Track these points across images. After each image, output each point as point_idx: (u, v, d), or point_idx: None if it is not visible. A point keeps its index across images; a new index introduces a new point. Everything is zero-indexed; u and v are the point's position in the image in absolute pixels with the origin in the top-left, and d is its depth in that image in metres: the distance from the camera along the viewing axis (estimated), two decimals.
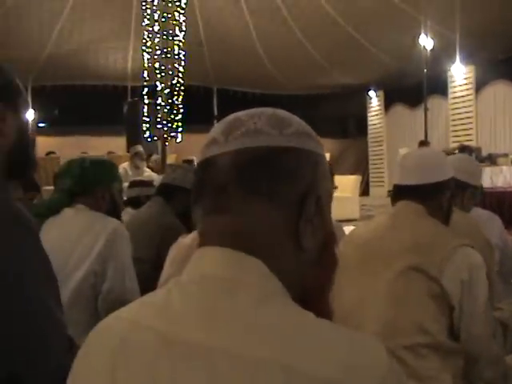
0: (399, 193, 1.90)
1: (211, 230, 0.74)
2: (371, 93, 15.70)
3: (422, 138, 11.09)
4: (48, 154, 10.73)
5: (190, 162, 7.75)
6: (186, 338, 0.65)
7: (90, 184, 2.35)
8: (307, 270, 0.75)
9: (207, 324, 0.66)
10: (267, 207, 0.72)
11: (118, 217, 2.49)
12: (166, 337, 0.66)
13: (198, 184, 0.76)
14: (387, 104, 15.38)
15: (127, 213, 3.49)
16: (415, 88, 12.33)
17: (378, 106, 15.77)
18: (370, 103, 16.01)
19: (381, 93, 15.47)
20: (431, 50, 10.43)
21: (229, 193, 0.72)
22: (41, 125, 15.70)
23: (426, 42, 10.39)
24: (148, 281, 2.25)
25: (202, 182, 0.76)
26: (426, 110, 11.13)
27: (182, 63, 9.68)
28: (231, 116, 0.79)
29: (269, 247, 0.72)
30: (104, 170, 2.44)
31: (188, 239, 1.90)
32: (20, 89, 1.48)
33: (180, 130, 9.40)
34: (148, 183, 4.06)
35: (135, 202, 3.72)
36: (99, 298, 2.17)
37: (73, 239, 2.23)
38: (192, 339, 0.65)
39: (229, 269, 0.70)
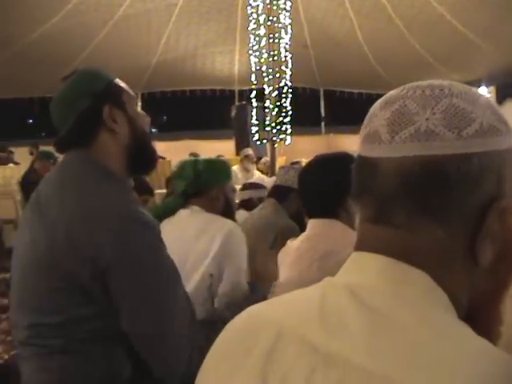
0: None
1: (371, 237, 0.65)
2: (482, 89, 14.98)
3: None
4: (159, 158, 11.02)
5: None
6: (347, 357, 0.56)
7: (204, 185, 2.35)
8: (479, 284, 0.63)
9: (369, 344, 0.56)
10: (438, 223, 0.61)
11: (233, 217, 2.47)
12: (322, 351, 0.57)
13: (358, 185, 0.67)
14: (499, 99, 14.64)
15: (240, 215, 3.49)
16: None
17: None
18: None
19: (492, 89, 14.75)
20: None
21: (393, 205, 0.62)
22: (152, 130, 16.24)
23: None
24: None
25: (362, 185, 0.66)
26: None
27: (289, 65, 9.66)
28: (396, 99, 0.64)
29: (437, 262, 0.61)
30: (217, 169, 2.43)
31: (296, 242, 1.85)
32: (122, 87, 1.55)
33: (288, 132, 9.37)
34: (260, 185, 4.05)
35: (248, 205, 3.72)
36: (215, 300, 2.16)
37: (189, 241, 2.23)
38: (353, 360, 0.55)
39: (390, 279, 0.61)
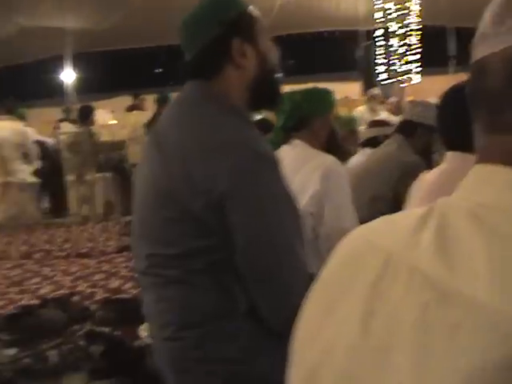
0: None
1: (491, 148, 0.55)
2: None
3: None
4: None
5: None
6: (469, 294, 0.45)
7: (304, 116, 2.20)
8: None
9: (499, 279, 0.45)
10: None
11: (338, 149, 2.31)
12: (438, 286, 0.48)
13: (471, 93, 0.59)
14: None
15: (365, 153, 3.45)
16: None
17: None
18: None
19: None
20: None
21: (503, 109, 0.53)
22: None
23: None
24: None
25: (474, 93, 0.58)
26: None
27: (417, 1, 9.23)
28: None
29: None
30: (317, 99, 2.28)
31: (431, 175, 1.76)
32: (255, 17, 1.45)
33: (417, 70, 9.03)
34: (386, 123, 3.97)
35: (374, 143, 3.65)
36: (318, 241, 2.06)
37: (287, 178, 2.16)
38: (478, 299, 0.45)
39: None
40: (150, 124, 7.91)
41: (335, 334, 0.55)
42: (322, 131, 2.23)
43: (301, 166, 2.11)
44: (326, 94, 2.33)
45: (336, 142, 2.32)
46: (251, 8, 1.45)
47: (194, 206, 1.25)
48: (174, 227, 1.30)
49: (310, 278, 1.24)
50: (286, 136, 2.24)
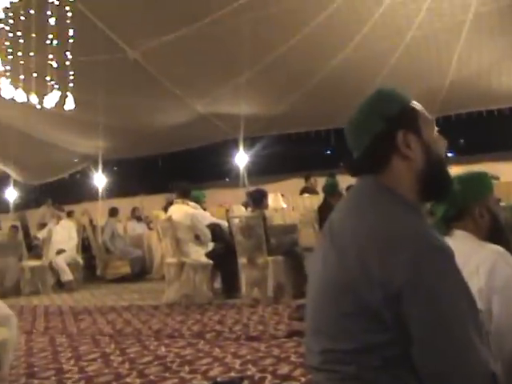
0: None
1: None
2: None
3: None
4: None
5: None
6: None
7: (463, 203, 2.14)
8: None
9: None
10: None
11: (502, 234, 2.16)
12: None
13: None
14: None
15: None
16: None
17: None
18: None
19: None
20: None
21: None
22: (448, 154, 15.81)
23: None
24: None
25: None
26: None
27: None
28: None
29: None
30: (475, 183, 2.21)
31: None
32: (418, 110, 1.50)
33: None
34: None
35: None
36: (490, 338, 1.85)
37: None
38: None
39: None
40: (320, 209, 8.02)
41: None
42: (483, 217, 2.15)
43: (464, 261, 1.96)
44: (484, 178, 2.27)
45: (499, 225, 2.17)
46: (414, 102, 1.52)
47: (371, 299, 1.26)
48: (350, 321, 1.30)
49: (493, 377, 1.15)
50: (447, 227, 2.17)
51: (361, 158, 1.49)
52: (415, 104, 1.52)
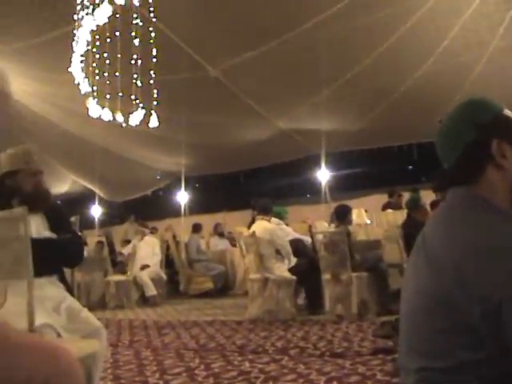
0: None
1: None
2: None
3: None
4: None
5: None
6: None
7: None
8: None
9: None
10: None
11: None
12: None
13: None
14: None
15: None
16: None
17: None
18: None
19: None
20: None
21: None
22: None
23: None
24: None
25: None
26: None
27: None
28: None
29: None
30: None
31: None
32: (510, 120, 1.45)
33: None
34: None
35: None
36: None
37: None
38: None
39: None
40: (404, 225, 7.83)
41: None
42: None
43: None
44: None
45: None
46: (506, 110, 1.47)
47: (467, 313, 1.22)
48: (445, 337, 1.26)
49: None
50: None
51: (453, 168, 1.45)
52: (509, 112, 1.47)
